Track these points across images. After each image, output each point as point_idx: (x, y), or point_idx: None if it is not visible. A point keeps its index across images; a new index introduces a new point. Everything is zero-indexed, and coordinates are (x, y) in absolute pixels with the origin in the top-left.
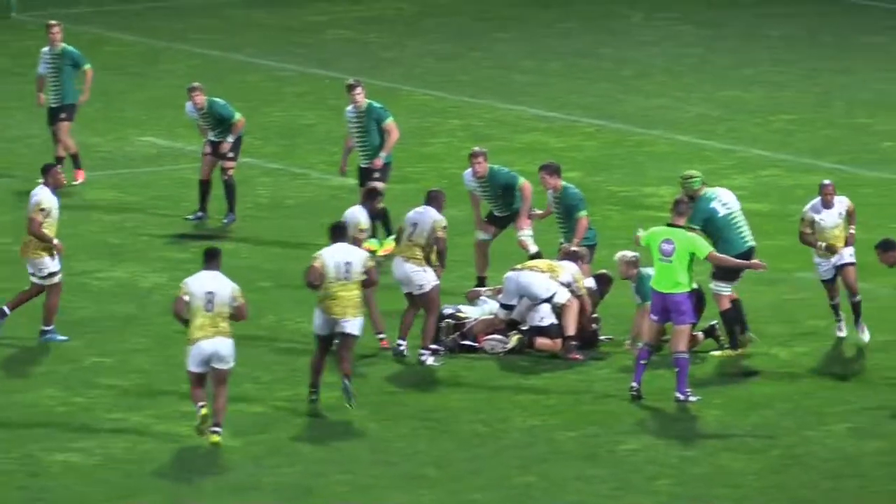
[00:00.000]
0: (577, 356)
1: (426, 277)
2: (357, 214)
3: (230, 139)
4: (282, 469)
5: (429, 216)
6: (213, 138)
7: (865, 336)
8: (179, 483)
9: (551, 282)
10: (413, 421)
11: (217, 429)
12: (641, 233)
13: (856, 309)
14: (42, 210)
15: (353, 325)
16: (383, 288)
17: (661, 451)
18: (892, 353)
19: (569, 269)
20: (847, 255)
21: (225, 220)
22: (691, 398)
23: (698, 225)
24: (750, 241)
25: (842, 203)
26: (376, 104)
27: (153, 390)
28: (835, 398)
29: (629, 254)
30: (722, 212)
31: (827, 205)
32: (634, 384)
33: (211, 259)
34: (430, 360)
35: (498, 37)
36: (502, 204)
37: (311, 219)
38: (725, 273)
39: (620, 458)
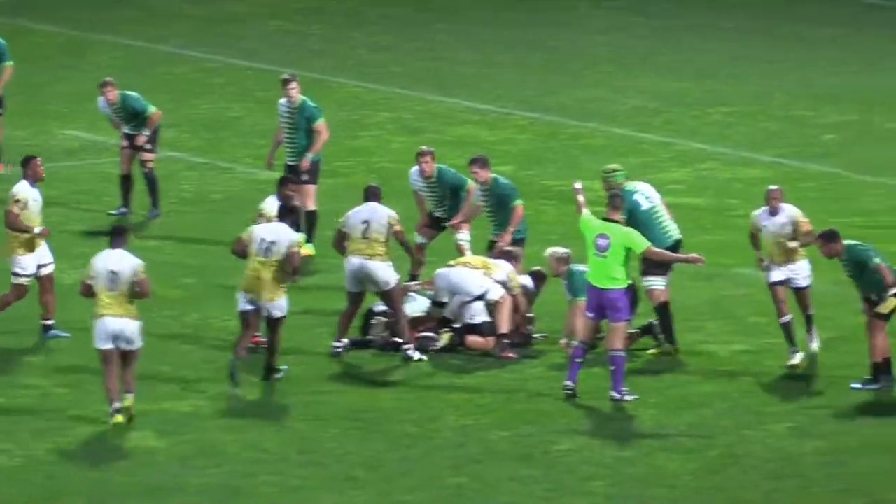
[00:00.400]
0: (511, 354)
1: (391, 273)
2: (272, 205)
3: (146, 132)
4: (208, 470)
5: (380, 212)
6: (127, 131)
7: (815, 344)
8: (103, 484)
9: (484, 278)
10: (343, 421)
11: (129, 394)
12: (579, 184)
13: (808, 320)
14: (17, 202)
15: (272, 307)
16: (323, 288)
17: (597, 451)
18: (833, 351)
19: (503, 268)
20: (803, 276)
21: (148, 215)
22: (627, 397)
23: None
24: (675, 234)
25: (789, 212)
26: (310, 102)
27: (76, 390)
28: (774, 397)
29: (560, 250)
30: (645, 205)
31: (773, 212)
32: (569, 383)
33: (117, 237)
34: (416, 355)
35: (439, 28)
36: (448, 206)
37: (237, 214)
38: (656, 266)
39: (555, 459)
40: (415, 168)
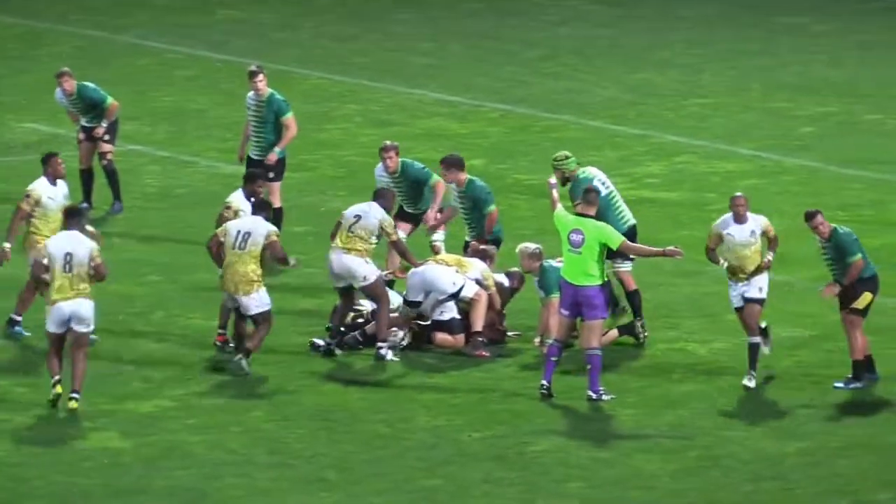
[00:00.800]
0: (484, 353)
1: (370, 268)
2: (240, 198)
3: (104, 124)
4: (174, 472)
5: (374, 213)
6: (85, 123)
7: (751, 384)
8: (66, 487)
9: (458, 276)
10: (312, 421)
11: (75, 395)
12: (554, 179)
13: (751, 353)
14: (28, 198)
15: (248, 302)
16: (290, 287)
17: (573, 452)
18: (814, 349)
19: (477, 266)
20: (756, 287)
21: (111, 210)
22: (604, 397)
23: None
24: (630, 219)
25: (756, 221)
26: (278, 96)
27: (38, 391)
28: (755, 397)
29: (531, 246)
30: (602, 191)
31: (738, 219)
32: (544, 382)
33: (71, 218)
34: (389, 355)
35: (396, 17)
36: (412, 201)
37: (202, 209)
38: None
39: (529, 460)
40: (379, 165)
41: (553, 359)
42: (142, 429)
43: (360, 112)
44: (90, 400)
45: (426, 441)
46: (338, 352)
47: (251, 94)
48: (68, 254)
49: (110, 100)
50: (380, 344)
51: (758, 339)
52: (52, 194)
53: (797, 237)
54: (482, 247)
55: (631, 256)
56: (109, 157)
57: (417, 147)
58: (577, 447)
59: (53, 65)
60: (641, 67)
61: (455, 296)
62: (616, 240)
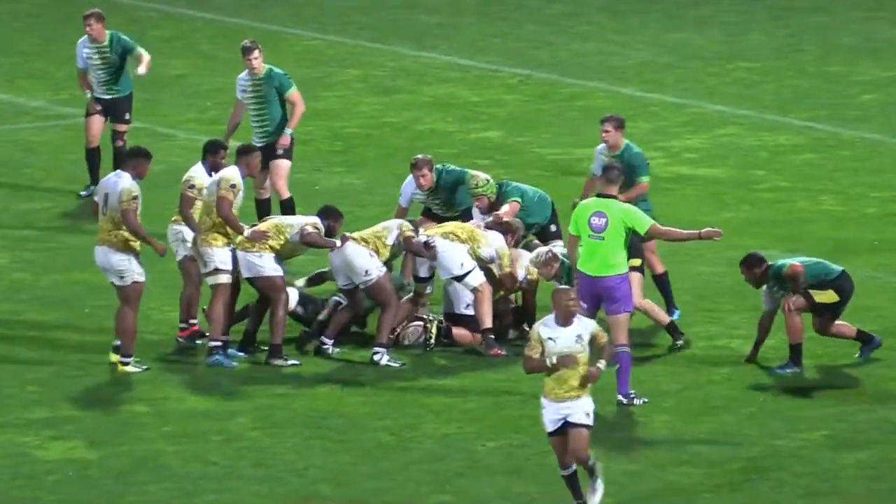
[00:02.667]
0: (500, 351)
1: (371, 262)
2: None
3: (126, 117)
4: (147, 486)
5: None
6: (101, 94)
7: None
8: (30, 503)
9: (467, 257)
10: (304, 429)
11: (123, 359)
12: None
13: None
14: (192, 187)
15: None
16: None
17: (601, 464)
18: (879, 349)
19: (493, 241)
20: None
21: (84, 192)
22: (636, 401)
23: (517, 197)
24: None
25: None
26: (278, 70)
27: None
28: (809, 400)
29: (541, 251)
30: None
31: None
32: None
33: (128, 158)
34: (384, 360)
35: None
36: (449, 206)
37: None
38: None
39: (551, 474)
40: (409, 180)
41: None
42: (111, 437)
43: (361, 78)
44: (52, 404)
45: (434, 451)
46: (334, 351)
47: (244, 74)
48: (106, 193)
49: (140, 49)
50: (376, 348)
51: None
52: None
53: (856, 223)
54: (506, 219)
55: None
56: (125, 137)
57: (425, 117)
58: (605, 459)
59: (10, 24)
60: (679, 26)
61: (460, 279)
62: (645, 223)
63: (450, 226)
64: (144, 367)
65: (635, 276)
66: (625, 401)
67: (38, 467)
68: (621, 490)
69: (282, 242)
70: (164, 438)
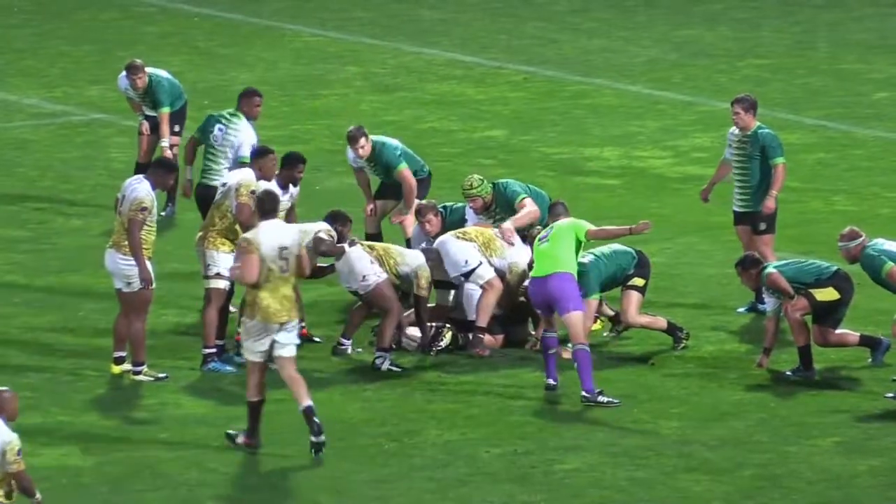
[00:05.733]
0: (484, 352)
1: (369, 268)
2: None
3: (177, 128)
4: (144, 494)
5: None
6: (150, 112)
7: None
8: None
9: (474, 253)
10: (303, 435)
11: (136, 367)
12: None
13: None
14: (253, 193)
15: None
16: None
17: (608, 471)
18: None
19: (512, 255)
20: None
21: (164, 213)
22: (601, 398)
23: (524, 194)
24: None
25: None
26: (389, 145)
27: None
28: (821, 406)
29: None
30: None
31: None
32: (550, 381)
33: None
34: (386, 365)
35: None
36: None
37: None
38: None
39: (558, 481)
40: (466, 209)
41: (551, 351)
42: (106, 444)
43: (362, 75)
44: (44, 410)
45: (437, 458)
46: (355, 350)
47: (353, 155)
48: (123, 196)
49: (167, 109)
50: (378, 353)
51: None
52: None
53: (870, 223)
54: (527, 220)
55: None
56: (175, 150)
57: (427, 116)
58: (613, 466)
59: (2, 21)
60: (688, 23)
61: (468, 276)
62: (583, 228)
63: (471, 230)
64: (161, 374)
65: (634, 296)
66: (588, 396)
67: (31, 474)
68: (630, 498)
69: None
70: (161, 445)
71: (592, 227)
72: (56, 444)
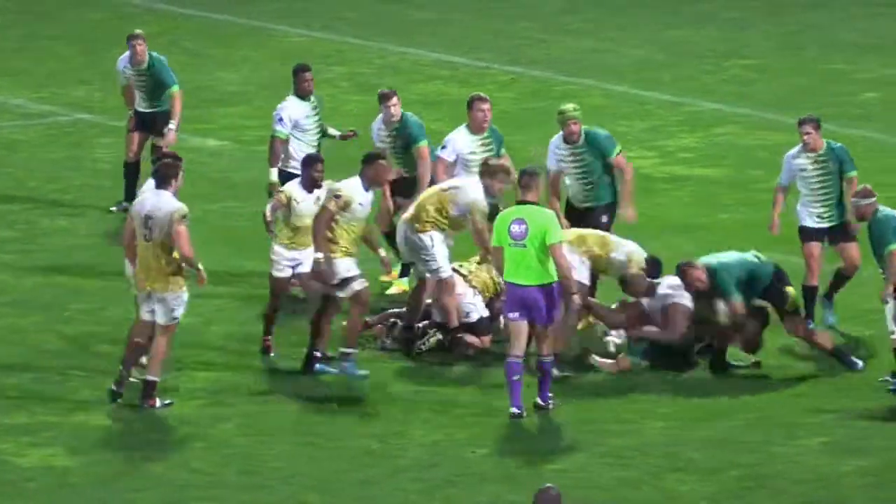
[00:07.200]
0: (469, 350)
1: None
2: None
3: (172, 126)
4: (130, 495)
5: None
6: (141, 108)
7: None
8: None
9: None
10: (291, 436)
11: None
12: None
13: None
14: (337, 198)
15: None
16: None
17: (594, 471)
18: (878, 350)
19: (623, 247)
20: None
21: (115, 208)
22: (551, 403)
23: None
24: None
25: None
26: (413, 119)
27: None
28: (807, 406)
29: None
30: None
31: None
32: (514, 410)
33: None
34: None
35: None
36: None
37: None
38: None
39: (544, 481)
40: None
41: (515, 378)
42: (92, 445)
43: (347, 75)
44: (31, 410)
45: (423, 459)
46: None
47: (378, 125)
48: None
49: (177, 87)
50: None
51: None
52: (363, 200)
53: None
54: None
55: None
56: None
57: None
58: (600, 466)
59: None
60: (676, 23)
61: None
62: (554, 238)
63: (588, 235)
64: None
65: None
66: (542, 404)
67: (17, 475)
68: (617, 497)
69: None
70: (147, 445)
71: (558, 248)
72: (43, 445)
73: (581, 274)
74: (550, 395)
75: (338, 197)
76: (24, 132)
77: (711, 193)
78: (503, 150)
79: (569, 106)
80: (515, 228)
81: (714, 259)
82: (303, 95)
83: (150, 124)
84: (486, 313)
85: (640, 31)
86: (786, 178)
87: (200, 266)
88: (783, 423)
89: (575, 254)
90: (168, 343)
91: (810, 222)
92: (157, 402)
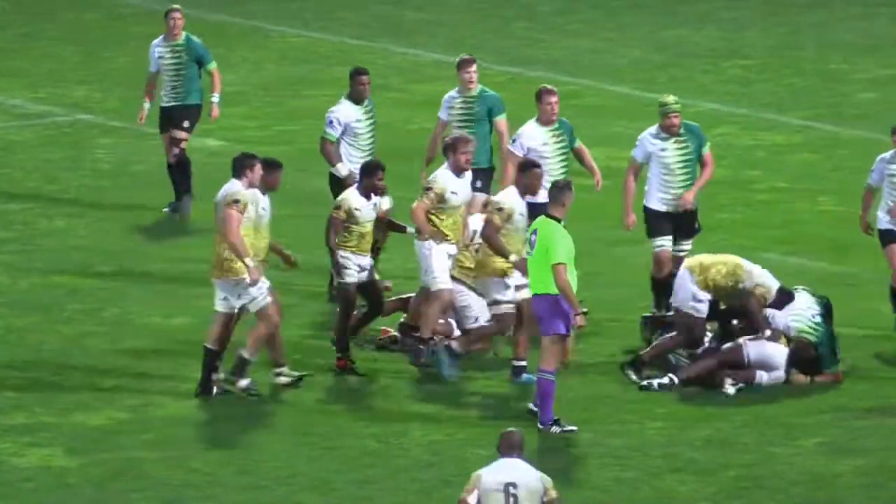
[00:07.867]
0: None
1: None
2: None
3: (215, 98)
4: (128, 495)
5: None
6: (166, 102)
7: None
8: None
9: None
10: (288, 436)
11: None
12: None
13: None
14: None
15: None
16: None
17: (593, 472)
18: (875, 350)
19: (759, 276)
20: None
21: (175, 211)
22: (555, 428)
23: None
24: None
25: None
26: (489, 91)
27: None
28: (804, 407)
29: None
30: None
31: None
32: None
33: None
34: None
35: None
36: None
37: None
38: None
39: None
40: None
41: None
42: (91, 445)
43: (347, 76)
44: (29, 410)
45: (422, 459)
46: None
47: (452, 94)
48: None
49: (214, 63)
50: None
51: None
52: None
53: (855, 224)
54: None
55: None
56: (183, 145)
57: (414, 117)
58: (598, 466)
59: None
60: (674, 23)
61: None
62: (556, 257)
63: (710, 263)
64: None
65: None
66: (542, 428)
67: (15, 475)
68: (615, 498)
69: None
70: (145, 446)
71: (561, 268)
72: (41, 445)
73: (699, 311)
74: (556, 418)
75: (500, 210)
76: (22, 133)
77: (710, 193)
78: (577, 141)
79: (670, 98)
80: (532, 238)
81: (811, 330)
82: (357, 99)
83: (178, 119)
84: (489, 315)
85: (638, 31)
86: (876, 180)
87: (248, 260)
88: (780, 424)
89: (690, 283)
90: (266, 327)
91: (894, 225)
92: (243, 382)
